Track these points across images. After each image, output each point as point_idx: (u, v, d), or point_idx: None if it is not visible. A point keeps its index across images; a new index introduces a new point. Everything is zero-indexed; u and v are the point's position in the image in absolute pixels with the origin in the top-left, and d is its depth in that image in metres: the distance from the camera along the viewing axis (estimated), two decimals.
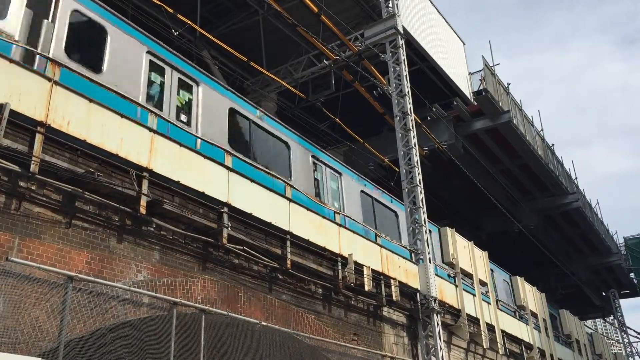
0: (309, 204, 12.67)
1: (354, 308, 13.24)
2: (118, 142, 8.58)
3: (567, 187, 31.26)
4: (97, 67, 9.35)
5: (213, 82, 11.84)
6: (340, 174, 15.26)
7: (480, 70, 24.54)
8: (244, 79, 19.42)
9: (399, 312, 14.69)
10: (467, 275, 18.51)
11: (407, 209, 15.93)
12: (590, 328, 38.08)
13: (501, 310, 20.33)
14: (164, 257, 9.14)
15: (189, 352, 8.70)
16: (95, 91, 8.60)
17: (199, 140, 10.64)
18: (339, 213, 13.70)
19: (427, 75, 21.78)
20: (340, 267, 12.47)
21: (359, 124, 21.30)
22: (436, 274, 15.43)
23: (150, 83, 10.33)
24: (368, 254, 13.45)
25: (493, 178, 27.66)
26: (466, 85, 23.62)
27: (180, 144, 9.69)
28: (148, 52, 10.45)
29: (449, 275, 17.58)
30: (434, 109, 22.88)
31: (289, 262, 11.23)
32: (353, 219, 14.29)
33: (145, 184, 8.74)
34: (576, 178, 35.17)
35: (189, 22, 14.88)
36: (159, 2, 14.08)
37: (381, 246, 14.17)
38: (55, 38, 8.78)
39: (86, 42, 9.40)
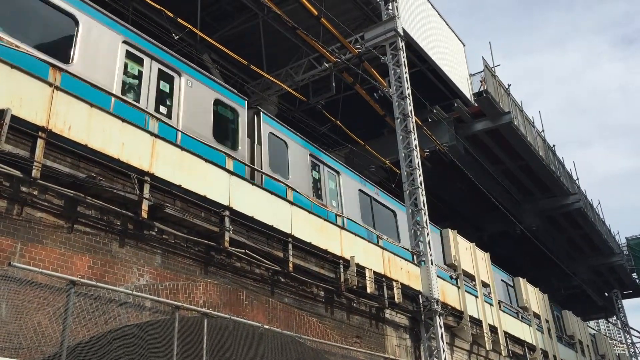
0: (310, 206, 12.67)
1: (356, 310, 13.23)
2: (119, 146, 8.59)
3: (568, 188, 31.24)
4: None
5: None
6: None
7: (481, 72, 24.55)
8: (244, 82, 19.43)
9: (402, 315, 14.67)
10: (469, 277, 18.49)
11: (408, 211, 15.92)
12: (593, 329, 37.99)
13: (504, 311, 20.31)
14: (166, 261, 9.14)
15: (192, 356, 8.70)
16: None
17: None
18: (341, 216, 13.68)
19: (428, 77, 21.80)
20: (342, 270, 12.47)
21: (359, 126, 21.31)
22: (438, 276, 15.41)
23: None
24: (370, 256, 13.44)
25: (494, 179, 27.65)
26: (467, 87, 23.63)
27: (182, 148, 9.70)
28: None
29: (451, 277, 17.56)
30: (435, 111, 22.88)
31: (291, 265, 11.22)
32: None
33: (146, 188, 8.75)
34: (577, 178, 35.18)
35: (189, 26, 14.89)
36: (159, 7, 14.10)
37: (383, 248, 14.16)
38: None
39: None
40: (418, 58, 20.69)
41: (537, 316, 23.42)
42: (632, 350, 43.73)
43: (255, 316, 10.32)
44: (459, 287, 17.31)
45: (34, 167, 7.40)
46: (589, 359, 28.20)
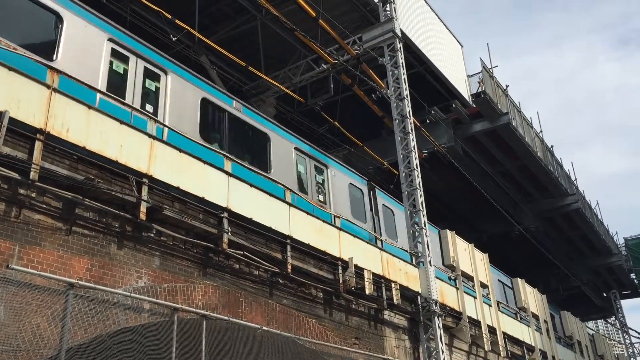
0: (308, 207, 12.66)
1: (355, 312, 13.23)
2: (117, 148, 8.59)
3: (566, 189, 31.29)
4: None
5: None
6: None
7: (479, 73, 24.60)
8: (242, 84, 19.43)
9: (400, 316, 14.68)
10: (468, 278, 18.50)
11: (407, 212, 15.93)
12: (592, 329, 38.03)
13: (502, 312, 20.32)
14: (164, 263, 9.14)
15: (191, 358, 8.69)
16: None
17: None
18: (339, 217, 13.66)
19: (426, 78, 21.80)
20: (340, 271, 12.47)
21: (358, 128, 21.32)
22: (437, 277, 15.42)
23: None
24: (368, 258, 13.44)
25: (493, 180, 27.68)
26: (465, 88, 23.65)
27: (180, 150, 9.70)
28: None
29: (449, 278, 17.57)
30: (433, 112, 22.91)
31: (289, 266, 11.23)
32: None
33: (145, 190, 8.75)
34: (576, 179, 35.23)
35: (187, 27, 14.90)
36: (157, 8, 14.10)
37: (381, 249, 14.17)
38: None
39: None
40: (416, 59, 20.70)
41: (535, 317, 23.43)
42: (631, 350, 43.76)
43: (253, 318, 10.32)
44: (457, 288, 17.32)
45: (32, 169, 7.40)
46: (587, 359, 28.21)
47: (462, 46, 25.22)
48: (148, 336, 8.35)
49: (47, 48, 8.94)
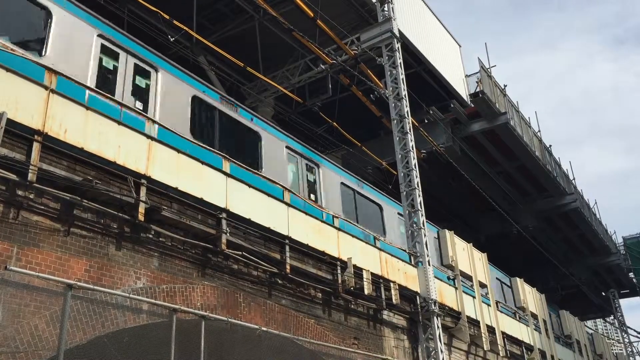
0: (307, 208, 12.66)
1: (353, 312, 13.23)
2: (115, 149, 8.59)
3: (565, 188, 31.31)
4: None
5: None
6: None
7: (477, 72, 24.62)
8: (240, 84, 19.43)
9: (399, 315, 14.68)
10: (467, 277, 18.50)
11: (405, 212, 15.94)
12: (591, 328, 38.06)
13: (501, 311, 20.33)
14: (163, 263, 9.13)
15: (189, 359, 8.69)
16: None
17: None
18: (337, 217, 13.66)
19: (424, 78, 21.82)
20: (339, 271, 12.47)
21: (356, 128, 21.32)
22: (435, 277, 15.42)
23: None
24: (367, 258, 13.45)
25: (491, 180, 27.69)
26: (463, 88, 23.67)
27: (178, 151, 9.69)
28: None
29: (448, 278, 17.57)
30: (431, 112, 22.89)
31: (288, 266, 11.22)
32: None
33: (143, 191, 8.75)
34: (574, 179, 35.26)
35: (185, 28, 14.90)
36: (155, 9, 14.10)
37: (380, 249, 14.16)
38: None
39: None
40: (414, 59, 20.71)
41: (534, 316, 23.45)
42: (630, 349, 43.81)
43: (252, 318, 10.32)
44: (456, 288, 17.32)
45: (30, 170, 7.39)
46: (586, 358, 28.24)
47: (460, 46, 25.24)
48: (147, 337, 8.34)
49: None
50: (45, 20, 9.05)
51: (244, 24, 18.85)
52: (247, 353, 9.91)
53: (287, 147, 13.69)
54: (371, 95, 18.71)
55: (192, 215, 9.62)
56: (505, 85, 26.21)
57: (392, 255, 14.43)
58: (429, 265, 15.13)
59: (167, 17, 14.34)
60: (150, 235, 8.96)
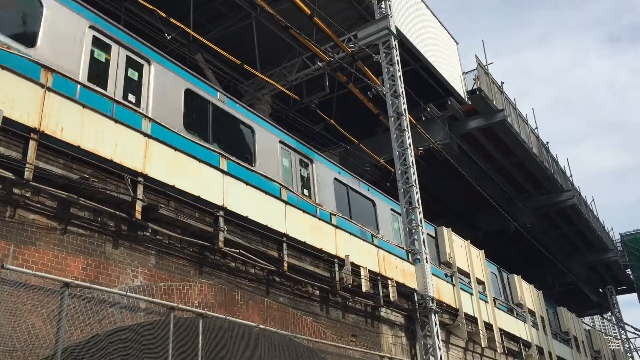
0: (302, 204, 12.65)
1: (351, 309, 13.24)
2: (112, 147, 8.57)
3: (562, 185, 31.35)
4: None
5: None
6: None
7: (474, 70, 24.60)
8: (238, 82, 19.40)
9: (397, 313, 14.70)
10: (464, 274, 18.53)
11: (403, 209, 15.95)
12: (588, 325, 38.14)
13: (499, 308, 20.37)
14: (160, 261, 9.13)
15: (187, 357, 8.69)
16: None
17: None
18: (335, 214, 13.65)
19: (421, 75, 21.80)
20: (337, 269, 12.48)
21: (353, 125, 21.30)
22: (433, 274, 15.43)
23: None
24: (365, 255, 13.45)
25: (488, 177, 27.71)
26: (460, 85, 23.66)
27: (175, 148, 9.67)
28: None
29: (446, 275, 17.59)
30: (429, 109, 22.90)
31: (285, 264, 11.23)
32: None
33: (140, 189, 8.74)
34: (571, 175, 35.32)
35: (182, 26, 14.86)
36: (152, 7, 14.07)
37: (378, 247, 14.17)
38: None
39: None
40: (411, 56, 20.70)
41: (532, 313, 23.49)
42: (627, 345, 43.94)
43: (250, 316, 10.32)
44: (454, 285, 17.35)
45: (26, 168, 7.37)
46: (584, 355, 28.31)
47: (457, 43, 25.22)
48: (144, 335, 8.34)
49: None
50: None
51: (241, 22, 18.82)
52: (244, 351, 9.92)
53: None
54: (368, 93, 18.70)
55: (190, 213, 9.61)
56: (502, 83, 26.25)
57: (389, 253, 14.44)
58: (427, 262, 15.14)
59: (163, 15, 14.31)
60: (148, 234, 8.95)
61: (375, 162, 21.93)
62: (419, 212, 15.63)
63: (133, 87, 10.23)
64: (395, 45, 17.66)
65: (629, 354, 43.29)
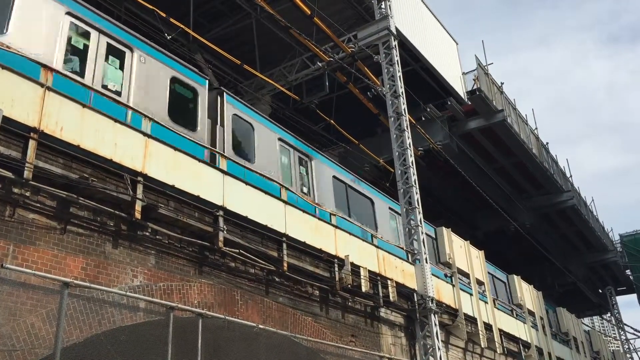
0: (301, 204, 12.64)
1: (351, 309, 13.23)
2: (112, 147, 8.56)
3: (562, 185, 31.35)
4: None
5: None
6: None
7: (474, 70, 24.60)
8: (237, 81, 19.40)
9: (397, 313, 14.69)
10: (464, 275, 18.53)
11: (402, 210, 15.94)
12: (588, 325, 38.14)
13: (498, 309, 20.36)
14: (159, 261, 9.12)
15: (186, 357, 8.68)
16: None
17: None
18: (334, 214, 13.64)
19: (421, 75, 21.81)
20: (337, 269, 12.47)
21: (353, 125, 21.31)
22: (433, 274, 15.43)
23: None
24: (364, 255, 13.44)
25: (488, 177, 27.71)
26: (460, 85, 23.65)
27: (175, 148, 9.66)
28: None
29: (445, 275, 17.59)
30: (428, 109, 22.89)
31: (285, 264, 11.22)
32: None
33: (139, 189, 8.73)
34: (571, 176, 35.32)
35: (181, 25, 14.86)
36: (151, 7, 14.06)
37: (377, 247, 14.16)
38: None
39: None
40: (411, 57, 20.70)
41: (531, 313, 23.49)
42: (627, 346, 43.92)
43: (250, 316, 10.31)
44: (453, 285, 17.34)
45: (26, 168, 7.37)
46: (583, 355, 28.30)
47: (457, 43, 25.22)
48: (144, 335, 8.33)
49: None
50: None
51: (241, 22, 18.83)
52: (244, 351, 9.90)
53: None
54: (368, 93, 18.69)
55: (189, 213, 9.61)
56: (502, 83, 26.24)
57: (389, 253, 14.43)
58: (427, 262, 15.13)
59: (163, 14, 14.30)
60: (147, 233, 8.95)
61: (375, 162, 21.92)
62: (419, 213, 15.62)
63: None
64: (395, 45, 17.66)
65: (628, 355, 43.27)
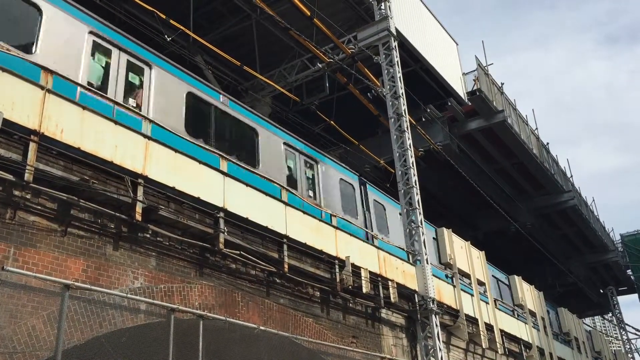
0: (305, 206, 12.64)
1: (352, 310, 13.23)
2: (112, 149, 8.57)
3: (562, 186, 31.34)
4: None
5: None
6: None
7: (474, 71, 24.60)
8: (238, 83, 19.41)
9: (398, 314, 14.68)
10: (465, 276, 18.51)
11: (403, 210, 15.94)
12: (589, 326, 38.12)
13: (499, 309, 20.35)
14: (160, 263, 9.12)
15: (188, 358, 8.68)
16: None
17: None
18: (335, 215, 13.64)
19: (421, 76, 21.81)
20: (337, 270, 12.47)
21: (354, 126, 21.30)
22: (434, 275, 15.42)
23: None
24: (365, 256, 13.44)
25: (489, 178, 27.70)
26: (460, 86, 23.66)
27: (176, 150, 9.67)
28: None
29: (446, 276, 17.58)
30: (429, 110, 22.90)
31: (286, 265, 11.22)
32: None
33: (140, 191, 8.73)
34: (571, 176, 35.29)
35: (181, 27, 14.86)
36: (151, 8, 14.07)
37: (378, 248, 14.16)
38: None
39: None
40: (411, 57, 20.70)
41: (532, 314, 23.47)
42: (628, 346, 43.89)
43: (250, 317, 10.31)
44: (454, 286, 17.33)
45: (26, 170, 7.37)
46: (585, 356, 28.28)
47: (457, 44, 25.23)
48: (145, 337, 8.33)
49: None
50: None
51: (241, 23, 18.83)
52: (245, 352, 9.91)
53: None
54: (368, 94, 18.70)
55: (190, 215, 9.61)
56: (502, 83, 26.23)
57: (390, 254, 14.42)
58: (427, 263, 15.13)
59: (163, 16, 14.30)
60: (148, 235, 8.95)
61: (375, 163, 21.92)
62: (420, 213, 15.62)
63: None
64: (395, 46, 17.66)
65: (630, 355, 43.25)
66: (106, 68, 9.91)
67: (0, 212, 7.20)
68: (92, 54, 9.68)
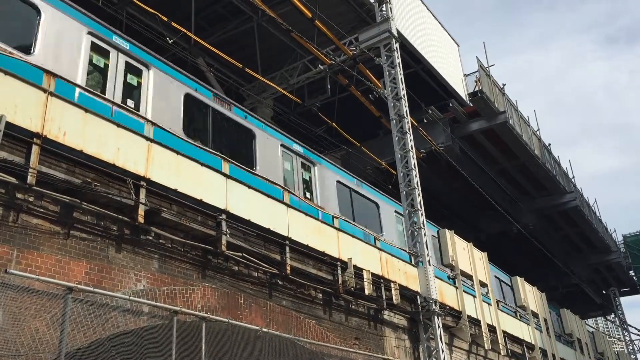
0: (304, 207, 12.64)
1: (354, 312, 13.22)
2: (115, 151, 8.58)
3: (564, 186, 31.30)
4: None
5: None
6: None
7: (475, 72, 24.61)
8: (239, 85, 19.44)
9: (400, 315, 14.68)
10: (467, 277, 18.49)
11: (405, 212, 15.94)
12: (592, 327, 38.06)
13: (502, 311, 20.32)
14: (163, 265, 9.13)
15: None
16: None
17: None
18: (337, 217, 13.64)
19: (423, 77, 21.83)
20: (340, 272, 12.46)
21: (355, 128, 21.34)
22: (436, 276, 15.41)
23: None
24: (367, 258, 13.43)
25: (491, 179, 27.69)
26: (461, 87, 23.67)
27: (178, 152, 9.68)
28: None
29: (448, 277, 17.57)
30: (430, 111, 22.91)
31: (288, 267, 11.21)
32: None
33: (142, 193, 8.74)
34: (573, 177, 35.24)
35: (183, 29, 14.89)
36: (153, 11, 14.10)
37: (380, 249, 14.15)
38: None
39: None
40: (413, 59, 20.72)
41: (535, 315, 23.44)
42: (631, 347, 43.82)
43: (253, 319, 10.31)
44: (457, 287, 17.31)
45: (29, 173, 7.38)
46: (587, 357, 28.23)
47: (458, 45, 25.24)
48: (147, 339, 8.34)
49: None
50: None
51: (242, 25, 18.86)
52: (247, 354, 9.91)
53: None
54: (370, 96, 18.72)
55: (192, 217, 9.61)
56: (504, 84, 26.22)
57: (392, 255, 14.41)
58: (430, 265, 15.12)
59: (165, 19, 14.34)
60: (150, 237, 8.95)
61: (377, 164, 21.93)
62: (422, 215, 15.62)
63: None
64: (396, 47, 17.68)
65: (632, 356, 43.17)
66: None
67: (3, 214, 7.21)
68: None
